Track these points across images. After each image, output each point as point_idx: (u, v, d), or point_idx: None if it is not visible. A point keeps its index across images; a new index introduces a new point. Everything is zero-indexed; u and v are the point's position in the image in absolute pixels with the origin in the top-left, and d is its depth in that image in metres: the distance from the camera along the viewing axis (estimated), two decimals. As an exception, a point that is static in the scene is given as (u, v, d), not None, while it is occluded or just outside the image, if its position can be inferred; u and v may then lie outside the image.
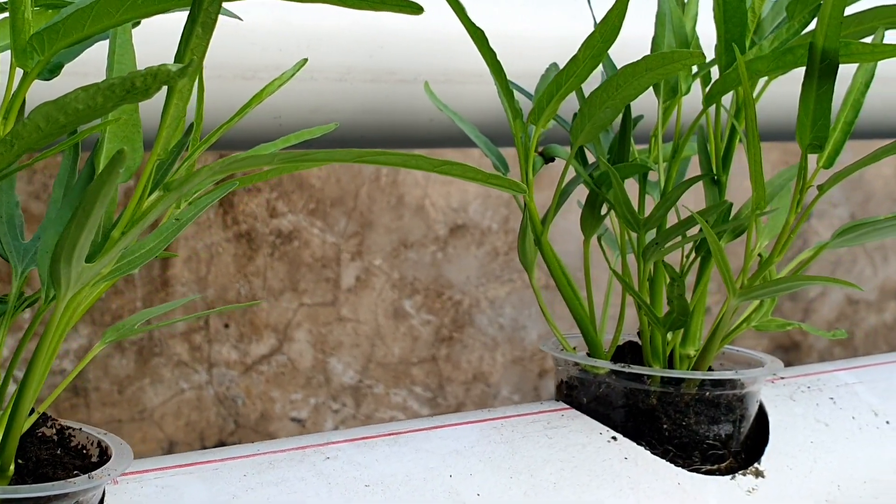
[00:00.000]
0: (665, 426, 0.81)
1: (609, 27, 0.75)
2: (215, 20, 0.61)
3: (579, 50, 0.76)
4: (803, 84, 0.76)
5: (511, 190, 0.63)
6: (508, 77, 0.80)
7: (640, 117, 0.88)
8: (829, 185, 0.79)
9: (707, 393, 0.81)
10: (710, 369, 0.87)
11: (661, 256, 0.81)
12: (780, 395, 0.87)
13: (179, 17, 0.60)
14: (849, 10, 0.76)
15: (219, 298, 1.87)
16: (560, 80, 0.77)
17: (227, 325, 1.87)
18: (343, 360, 1.95)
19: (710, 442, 0.81)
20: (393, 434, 0.76)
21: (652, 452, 0.80)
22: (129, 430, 1.86)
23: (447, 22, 1.07)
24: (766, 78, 0.82)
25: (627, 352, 0.87)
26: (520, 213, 0.75)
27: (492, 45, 0.79)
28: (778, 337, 2.02)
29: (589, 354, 0.85)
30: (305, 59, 0.69)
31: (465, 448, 0.75)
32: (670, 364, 0.84)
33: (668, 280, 0.80)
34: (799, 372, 0.92)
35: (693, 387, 0.81)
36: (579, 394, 0.83)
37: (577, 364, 0.83)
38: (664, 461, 0.80)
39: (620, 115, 0.84)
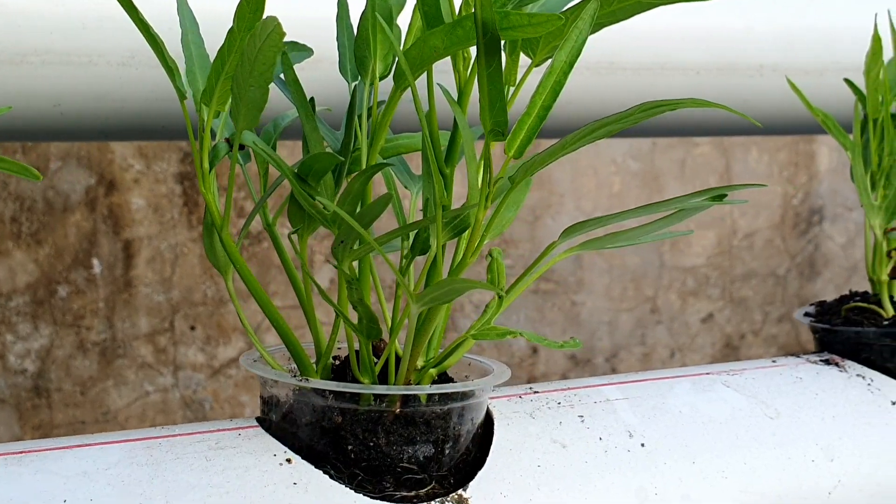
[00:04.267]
0: (350, 447, 0.72)
1: (255, -5, 0.67)
2: None
3: (234, 22, 0.69)
4: (476, 63, 0.66)
5: (22, 175, 0.56)
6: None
7: (383, 102, 0.79)
8: (520, 176, 0.69)
9: (398, 410, 0.72)
10: (448, 380, 0.78)
11: (356, 257, 0.73)
12: (519, 411, 0.77)
13: None
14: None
15: (184, 300, 1.82)
16: (223, 55, 0.69)
17: (192, 328, 1.83)
18: (317, 365, 1.88)
19: (406, 465, 0.72)
20: (21, 452, 0.68)
21: (335, 477, 0.71)
22: (92, 432, 1.82)
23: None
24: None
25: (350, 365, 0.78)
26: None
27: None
28: (788, 345, 1.89)
29: (299, 369, 0.77)
30: None
31: (98, 470, 0.68)
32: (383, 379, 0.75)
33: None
34: (558, 386, 0.81)
35: (394, 403, 0.72)
36: (272, 412, 0.75)
37: (264, 379, 0.75)
38: (344, 487, 0.71)
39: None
